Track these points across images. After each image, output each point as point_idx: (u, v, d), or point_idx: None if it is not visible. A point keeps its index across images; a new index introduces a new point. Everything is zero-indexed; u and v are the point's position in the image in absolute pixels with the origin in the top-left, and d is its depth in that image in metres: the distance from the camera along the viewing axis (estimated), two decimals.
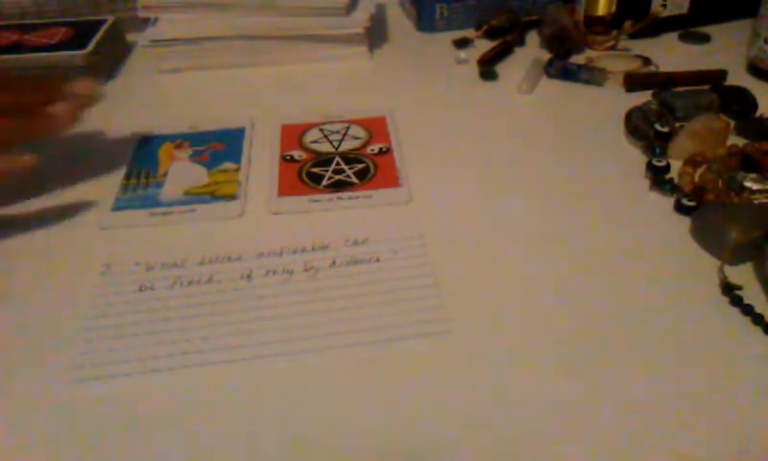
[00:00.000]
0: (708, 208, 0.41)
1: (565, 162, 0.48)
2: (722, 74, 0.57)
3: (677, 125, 0.49)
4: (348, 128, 0.52)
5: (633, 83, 0.57)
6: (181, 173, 0.48)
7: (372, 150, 0.50)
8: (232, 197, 0.45)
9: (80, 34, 0.62)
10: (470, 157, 0.49)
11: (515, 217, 0.43)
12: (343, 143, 0.51)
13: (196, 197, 0.45)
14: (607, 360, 0.33)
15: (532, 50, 0.65)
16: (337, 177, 0.47)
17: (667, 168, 0.45)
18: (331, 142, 0.51)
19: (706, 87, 0.54)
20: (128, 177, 0.48)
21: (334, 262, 0.39)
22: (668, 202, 0.43)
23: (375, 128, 0.52)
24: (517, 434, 0.30)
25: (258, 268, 0.39)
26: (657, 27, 0.65)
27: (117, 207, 0.44)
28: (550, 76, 0.59)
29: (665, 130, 0.48)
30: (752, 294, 0.36)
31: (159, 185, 0.46)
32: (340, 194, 0.45)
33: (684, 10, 0.66)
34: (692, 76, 0.57)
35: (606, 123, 0.52)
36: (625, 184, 0.45)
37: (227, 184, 0.46)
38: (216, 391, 0.32)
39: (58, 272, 0.40)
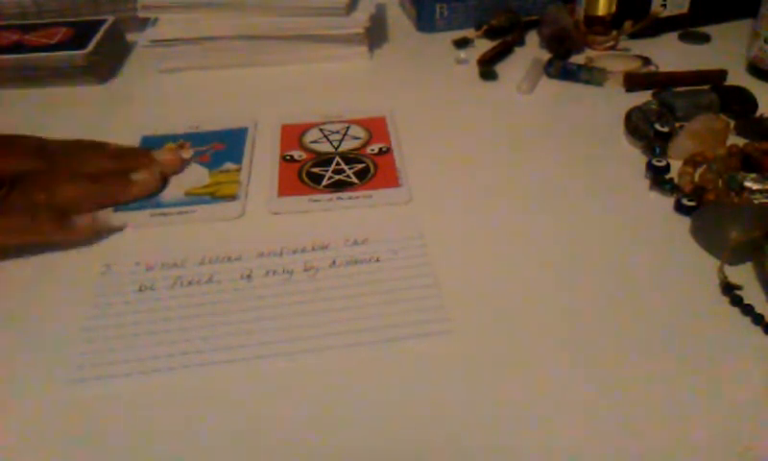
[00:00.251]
0: (708, 208, 0.41)
1: (565, 162, 0.48)
2: (722, 74, 0.57)
3: (677, 125, 0.49)
4: (347, 128, 0.52)
5: (633, 83, 0.57)
6: (183, 173, 0.48)
7: (372, 150, 0.50)
8: (233, 197, 0.45)
9: (80, 34, 0.62)
10: (470, 157, 0.49)
11: (514, 217, 0.43)
12: (343, 143, 0.51)
13: (197, 198, 0.45)
14: (607, 360, 0.33)
15: (532, 50, 0.65)
16: (337, 177, 0.47)
17: (667, 168, 0.45)
18: (331, 142, 0.51)
19: (706, 87, 0.54)
20: None
21: (334, 262, 0.39)
22: (668, 202, 0.43)
23: (375, 128, 0.52)
24: (518, 434, 0.30)
25: (258, 268, 0.39)
26: (657, 27, 0.65)
27: (118, 208, 0.44)
28: (550, 76, 0.59)
29: (665, 130, 0.48)
30: (752, 294, 0.36)
31: (161, 186, 0.46)
32: (340, 194, 0.45)
33: (684, 10, 0.66)
34: (692, 76, 0.57)
35: (606, 123, 0.52)
36: (625, 184, 0.45)
37: (227, 185, 0.46)
38: (216, 391, 0.32)
39: (58, 272, 0.40)
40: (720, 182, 0.44)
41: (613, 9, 0.64)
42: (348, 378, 0.32)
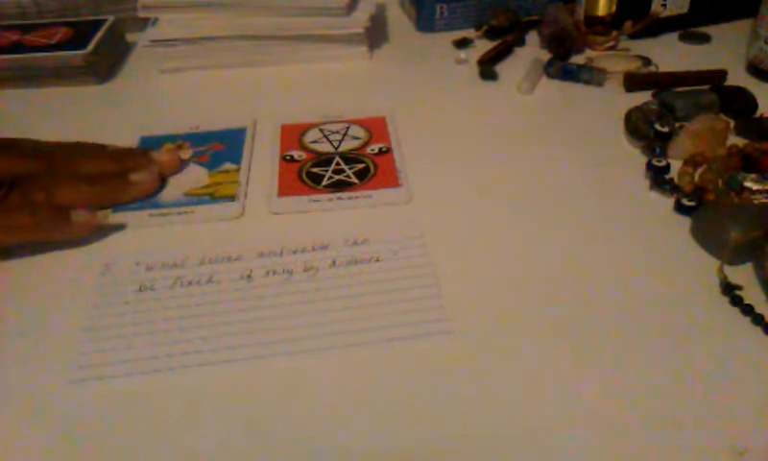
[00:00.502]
0: (707, 209, 0.41)
1: (565, 163, 0.48)
2: (722, 74, 0.57)
3: (677, 125, 0.49)
4: (347, 128, 0.52)
5: (633, 83, 0.57)
6: (182, 174, 0.48)
7: (372, 150, 0.50)
8: (232, 197, 0.45)
9: (80, 34, 0.62)
10: (470, 157, 0.49)
11: (514, 217, 0.43)
12: (343, 143, 0.51)
13: (196, 198, 0.45)
14: (607, 360, 0.33)
15: (532, 50, 0.65)
16: (337, 177, 0.47)
17: (667, 168, 0.45)
18: (331, 142, 0.51)
19: (706, 87, 0.54)
20: None
21: (334, 262, 0.39)
22: (668, 202, 0.43)
23: (375, 128, 0.52)
24: (518, 434, 0.30)
25: (258, 268, 0.39)
26: (657, 27, 0.65)
27: (117, 208, 0.44)
28: (550, 76, 0.59)
29: (665, 130, 0.48)
30: (752, 294, 0.36)
31: (160, 186, 0.46)
32: (340, 194, 0.45)
33: (684, 10, 0.66)
34: (692, 76, 0.57)
35: (606, 123, 0.52)
36: (625, 184, 0.45)
37: (227, 185, 0.46)
38: (216, 391, 0.32)
39: (58, 272, 0.40)
40: (720, 183, 0.44)
41: (613, 9, 0.64)
42: (348, 378, 0.32)
